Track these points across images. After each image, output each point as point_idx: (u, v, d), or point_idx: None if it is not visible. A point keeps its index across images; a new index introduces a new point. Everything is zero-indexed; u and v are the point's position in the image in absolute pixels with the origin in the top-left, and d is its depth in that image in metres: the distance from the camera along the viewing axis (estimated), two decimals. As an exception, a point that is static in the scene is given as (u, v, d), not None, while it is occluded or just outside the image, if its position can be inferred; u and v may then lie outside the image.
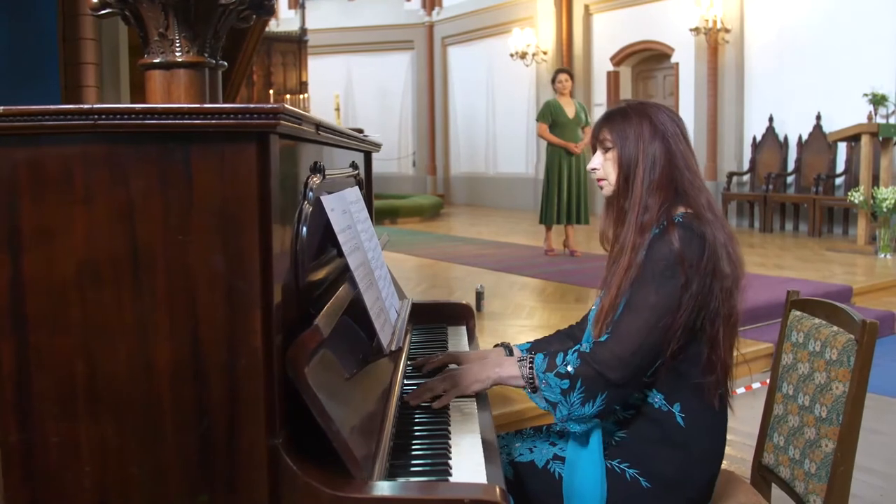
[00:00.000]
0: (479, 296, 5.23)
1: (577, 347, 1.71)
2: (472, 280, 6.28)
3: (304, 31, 13.54)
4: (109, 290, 1.15)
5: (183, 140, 1.12)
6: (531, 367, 1.73)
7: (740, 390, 4.46)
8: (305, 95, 13.44)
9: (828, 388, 1.82)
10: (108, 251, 1.15)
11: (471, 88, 15.38)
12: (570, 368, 1.66)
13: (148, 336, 1.16)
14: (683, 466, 1.72)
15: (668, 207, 1.74)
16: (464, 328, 2.54)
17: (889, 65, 8.78)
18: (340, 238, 1.54)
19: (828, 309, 1.95)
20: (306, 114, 1.24)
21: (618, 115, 1.83)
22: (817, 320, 1.95)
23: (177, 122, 1.09)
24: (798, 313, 2.03)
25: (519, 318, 5.09)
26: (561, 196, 7.39)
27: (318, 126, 1.38)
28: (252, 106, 1.07)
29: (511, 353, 2.05)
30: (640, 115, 1.80)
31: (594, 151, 1.88)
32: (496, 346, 2.10)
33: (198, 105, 1.10)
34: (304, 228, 1.38)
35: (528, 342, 2.10)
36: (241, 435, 1.17)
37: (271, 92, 13.03)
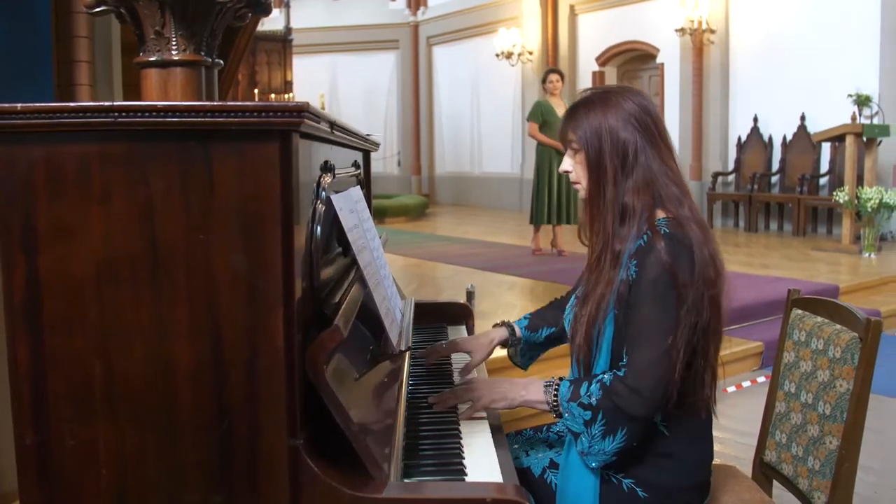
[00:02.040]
0: (470, 295, 5.22)
1: (599, 377, 1.62)
2: (461, 279, 6.27)
3: (288, 30, 13.48)
4: (128, 290, 1.14)
5: (204, 138, 1.11)
6: (556, 394, 1.66)
7: (731, 389, 4.48)
8: (290, 95, 13.38)
9: (831, 385, 1.83)
10: (127, 250, 1.13)
11: (456, 88, 15.38)
12: (592, 400, 1.60)
13: (167, 336, 1.15)
14: (675, 474, 1.70)
15: (648, 215, 1.64)
16: (463, 328, 2.55)
17: (872, 66, 8.87)
18: (350, 236, 1.53)
19: (830, 307, 1.96)
20: (323, 112, 1.23)
21: (581, 110, 1.71)
22: (819, 318, 1.96)
23: (199, 119, 1.08)
24: (799, 312, 2.04)
25: (509, 316, 5.06)
26: (551, 196, 7.41)
27: (333, 125, 1.37)
28: (276, 104, 1.06)
29: (513, 331, 2.05)
30: (604, 106, 1.68)
31: (566, 150, 1.77)
32: (496, 325, 2.08)
33: (220, 103, 1.09)
34: (318, 228, 1.37)
35: (525, 317, 2.08)
36: (262, 436, 1.16)
37: (256, 91, 12.96)
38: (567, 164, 1.76)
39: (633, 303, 1.61)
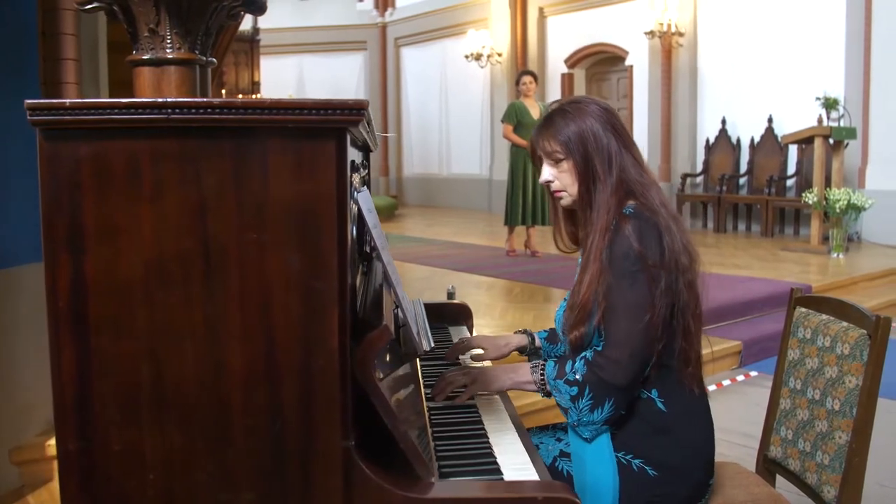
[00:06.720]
0: (451, 296, 5.21)
1: (583, 354, 1.71)
2: (438, 281, 6.27)
3: (256, 30, 13.33)
4: (178, 291, 1.11)
5: (258, 135, 1.09)
6: (542, 374, 1.74)
7: (711, 388, 4.53)
8: (258, 96, 13.26)
9: (840, 381, 1.86)
10: (178, 250, 1.11)
11: (424, 90, 15.36)
12: (578, 376, 1.67)
13: (219, 338, 1.12)
14: (680, 451, 1.74)
15: (619, 206, 1.72)
16: (465, 328, 2.56)
17: (839, 69, 9.06)
18: (374, 233, 1.53)
19: (834, 305, 2.00)
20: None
21: (559, 121, 1.76)
22: (825, 316, 1.99)
23: (256, 116, 1.06)
24: (803, 310, 2.07)
25: (492, 317, 5.10)
26: (525, 197, 7.43)
27: (369, 123, 1.36)
28: (335, 101, 1.05)
29: (533, 340, 2.07)
30: (580, 113, 1.75)
31: (538, 164, 1.82)
32: (517, 332, 2.10)
33: (278, 99, 1.07)
34: (354, 228, 1.36)
35: (545, 330, 2.11)
36: (316, 438, 1.14)
37: (223, 92, 12.81)
38: (548, 174, 1.80)
39: (606, 280, 1.68)
